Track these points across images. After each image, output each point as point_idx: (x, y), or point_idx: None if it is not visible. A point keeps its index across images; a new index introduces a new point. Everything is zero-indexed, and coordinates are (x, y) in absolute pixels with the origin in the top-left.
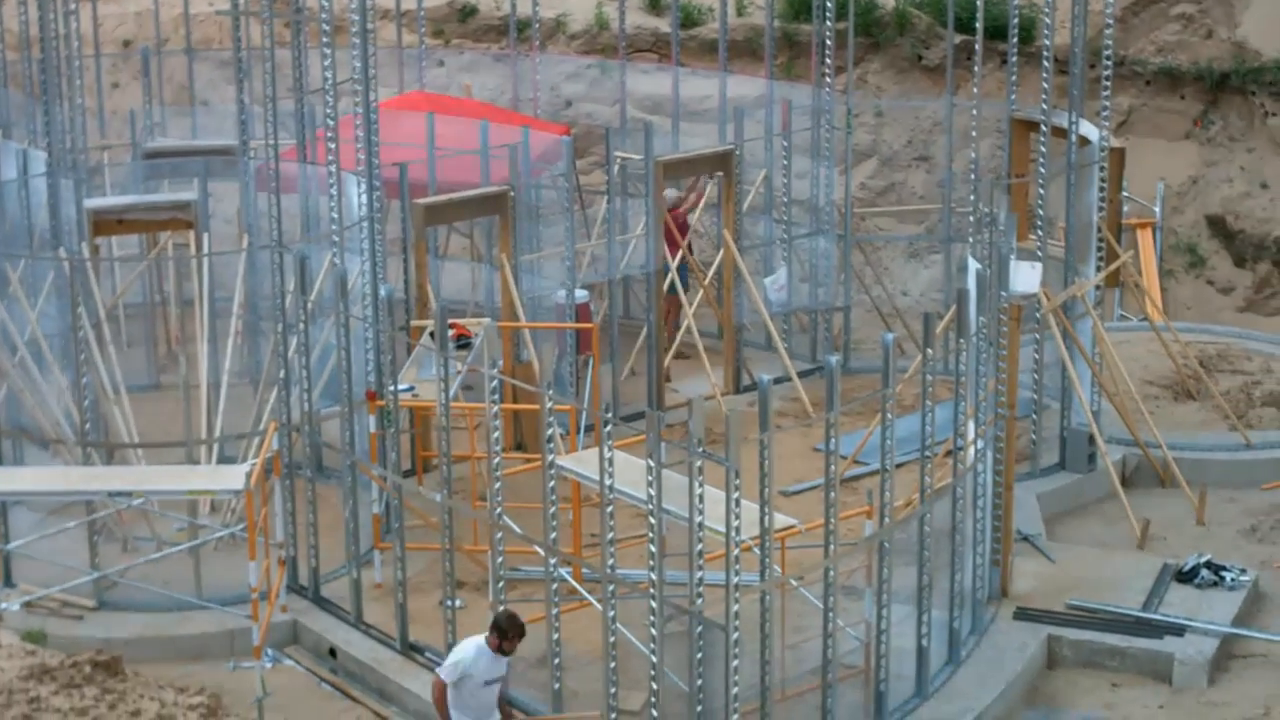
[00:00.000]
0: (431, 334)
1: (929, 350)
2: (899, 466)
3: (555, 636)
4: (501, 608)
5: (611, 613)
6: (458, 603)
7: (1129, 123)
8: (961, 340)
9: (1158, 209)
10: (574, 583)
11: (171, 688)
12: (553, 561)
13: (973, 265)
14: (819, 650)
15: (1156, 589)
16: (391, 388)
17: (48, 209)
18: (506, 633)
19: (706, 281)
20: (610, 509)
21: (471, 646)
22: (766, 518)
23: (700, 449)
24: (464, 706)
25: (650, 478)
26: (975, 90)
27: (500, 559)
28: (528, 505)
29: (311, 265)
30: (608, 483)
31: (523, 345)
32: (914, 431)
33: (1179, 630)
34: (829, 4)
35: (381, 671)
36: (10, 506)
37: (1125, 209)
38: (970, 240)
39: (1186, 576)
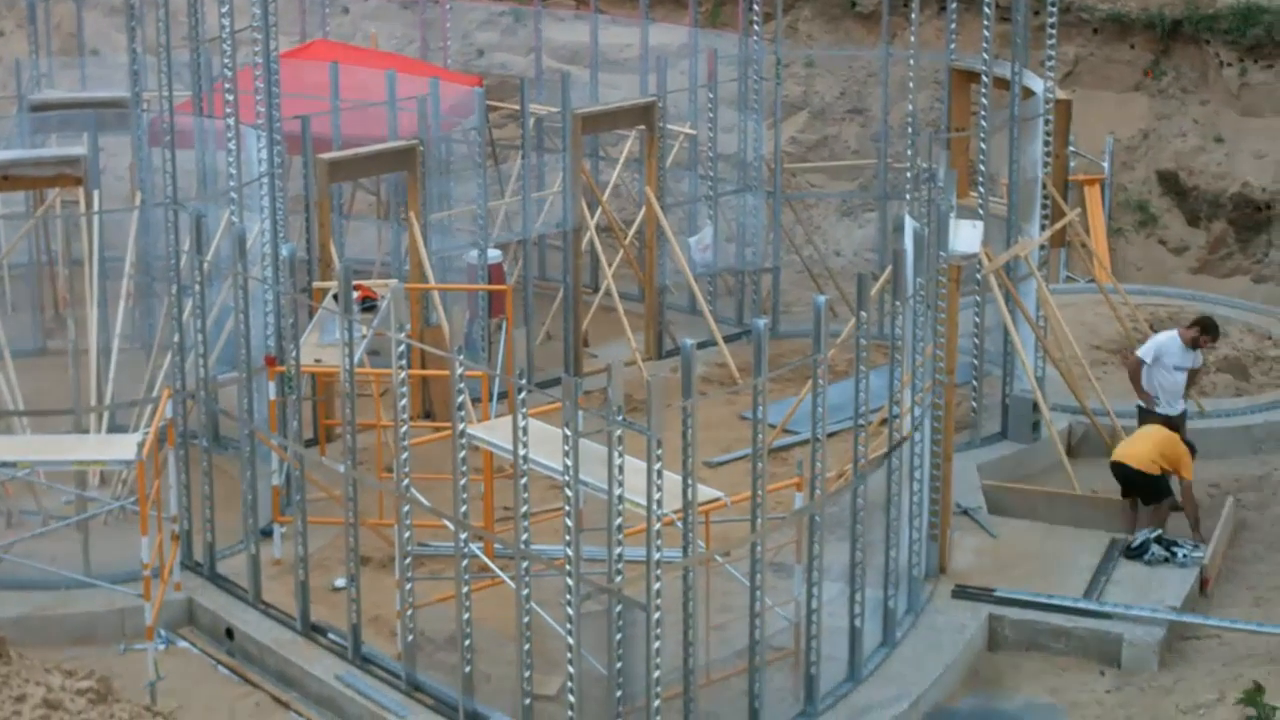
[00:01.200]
0: (335, 296)
1: (863, 314)
2: (831, 436)
3: (466, 616)
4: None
5: (525, 591)
6: (340, 582)
7: (1076, 73)
8: (898, 303)
9: (1106, 164)
10: (485, 559)
11: (59, 671)
12: (463, 536)
13: (910, 224)
14: (745, 631)
15: (1104, 566)
16: (293, 352)
17: None
18: (1207, 330)
19: (627, 241)
20: (524, 481)
21: (1165, 336)
22: (690, 490)
23: (620, 417)
24: (1155, 386)
25: (567, 448)
26: (912, 39)
27: (408, 534)
28: (437, 477)
29: (208, 224)
30: (522, 453)
31: (432, 308)
32: (847, 399)
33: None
34: None
35: (281, 654)
36: None
37: (1072, 164)
38: (907, 197)
39: (1135, 553)
